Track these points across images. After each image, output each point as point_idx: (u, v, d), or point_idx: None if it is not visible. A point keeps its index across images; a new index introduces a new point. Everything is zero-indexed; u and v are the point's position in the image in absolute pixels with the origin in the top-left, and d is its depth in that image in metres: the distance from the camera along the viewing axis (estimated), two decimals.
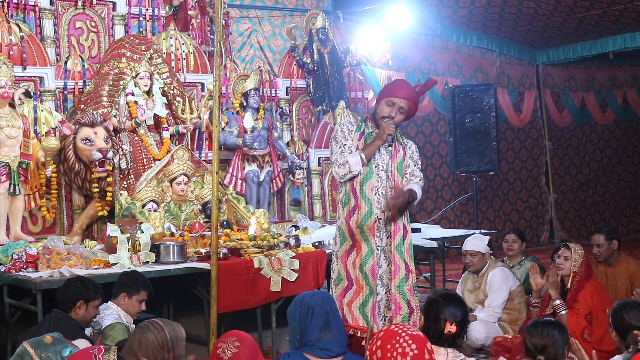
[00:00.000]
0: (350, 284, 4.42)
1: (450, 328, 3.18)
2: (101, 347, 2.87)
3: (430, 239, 6.81)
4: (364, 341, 4.29)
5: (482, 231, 7.41)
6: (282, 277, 5.64)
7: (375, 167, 4.46)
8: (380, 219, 4.44)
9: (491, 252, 6.26)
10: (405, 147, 4.61)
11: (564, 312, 5.18)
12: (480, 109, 9.75)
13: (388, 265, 4.46)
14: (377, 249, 4.42)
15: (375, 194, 4.43)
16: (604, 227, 6.55)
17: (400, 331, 2.73)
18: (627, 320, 3.68)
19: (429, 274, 7.39)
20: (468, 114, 9.69)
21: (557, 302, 5.22)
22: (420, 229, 7.52)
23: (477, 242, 6.17)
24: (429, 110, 11.22)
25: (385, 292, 4.45)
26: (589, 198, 13.33)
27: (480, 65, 11.72)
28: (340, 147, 4.45)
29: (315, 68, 8.25)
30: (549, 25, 10.85)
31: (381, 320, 4.41)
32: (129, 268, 5.11)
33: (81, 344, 3.67)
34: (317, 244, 6.27)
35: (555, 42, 11.93)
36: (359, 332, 4.36)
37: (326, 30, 8.40)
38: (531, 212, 12.45)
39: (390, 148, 4.46)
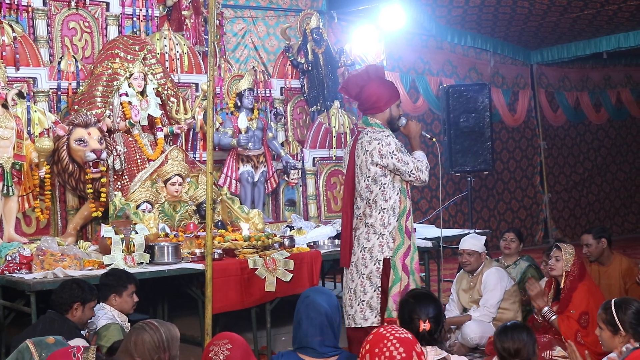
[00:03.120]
0: (408, 284, 4.65)
1: (424, 326, 3.22)
2: (80, 346, 2.88)
3: (425, 238, 6.80)
4: None
5: (477, 231, 7.41)
6: (276, 277, 5.64)
7: None
8: None
9: (486, 252, 6.27)
10: None
11: (553, 317, 5.19)
12: (475, 108, 9.77)
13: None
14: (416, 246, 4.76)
15: None
16: (593, 227, 6.57)
17: (388, 334, 2.71)
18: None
19: (424, 274, 7.39)
20: (462, 114, 9.71)
21: (545, 309, 5.23)
22: (415, 228, 7.52)
23: (474, 241, 6.18)
24: (423, 110, 11.23)
25: None
26: (584, 197, 13.36)
27: (475, 65, 11.74)
28: (410, 156, 4.75)
29: (310, 68, 8.24)
30: (543, 25, 10.87)
31: None
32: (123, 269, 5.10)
33: (78, 344, 3.67)
34: (311, 244, 6.27)
35: (550, 42, 11.95)
36: None
37: (320, 31, 8.40)
38: (526, 211, 12.47)
39: None
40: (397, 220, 4.68)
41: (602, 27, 10.93)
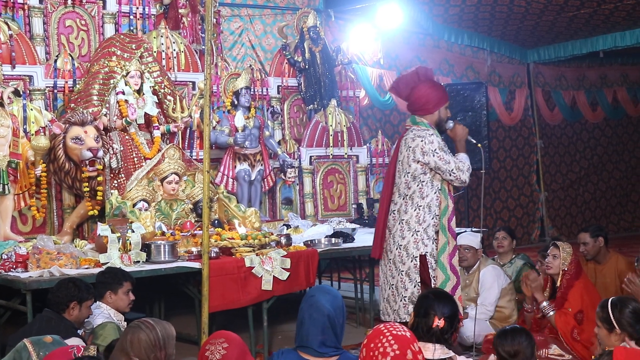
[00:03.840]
0: (458, 281, 4.73)
1: (438, 322, 3.23)
2: (80, 346, 2.88)
3: None
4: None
5: (473, 229, 7.41)
6: (273, 276, 5.63)
7: None
8: None
9: (482, 250, 6.27)
10: None
11: (551, 313, 5.19)
12: (472, 107, 9.76)
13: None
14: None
15: None
16: (590, 226, 6.57)
17: (385, 331, 2.73)
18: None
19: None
20: (459, 113, 9.69)
21: (544, 304, 5.24)
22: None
23: (471, 237, 6.19)
24: None
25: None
26: (580, 196, 13.37)
27: (472, 64, 11.74)
28: (452, 156, 4.78)
29: (307, 67, 8.24)
30: (540, 24, 10.88)
31: None
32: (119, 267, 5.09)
33: (75, 343, 3.67)
34: (308, 242, 6.26)
35: (546, 41, 11.96)
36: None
37: (317, 29, 8.39)
38: (522, 210, 12.49)
39: None
40: (436, 219, 4.77)
41: (599, 26, 10.94)
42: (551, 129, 13.03)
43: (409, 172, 4.77)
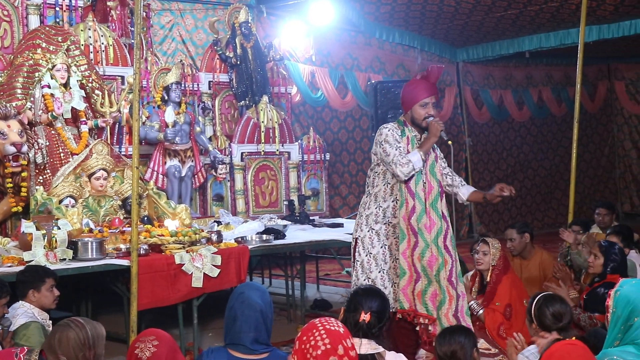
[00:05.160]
0: (417, 277, 4.73)
1: (364, 317, 3.24)
2: (25, 347, 2.80)
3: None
4: (430, 326, 4.70)
5: None
6: (204, 273, 5.59)
7: (422, 170, 4.85)
8: (426, 214, 4.86)
9: None
10: (436, 150, 4.99)
11: (481, 311, 5.29)
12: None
13: (431, 256, 4.82)
14: (431, 243, 4.80)
15: (423, 194, 4.85)
16: (516, 222, 6.73)
17: (319, 325, 2.74)
18: (548, 314, 3.78)
19: (351, 269, 7.44)
20: (390, 110, 9.77)
21: (472, 303, 5.32)
22: (342, 223, 7.58)
23: None
24: (351, 106, 11.31)
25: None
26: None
27: (403, 62, 11.88)
28: (396, 149, 4.76)
29: (238, 62, 8.19)
30: (469, 24, 11.08)
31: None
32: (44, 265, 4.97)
33: None
34: (239, 239, 6.23)
35: (475, 41, 12.19)
36: (422, 319, 4.72)
37: (249, 25, 8.35)
38: (451, 206, 12.60)
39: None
40: (380, 211, 4.84)
41: (525, 27, 11.21)
42: (479, 127, 13.28)
43: (371, 163, 4.95)
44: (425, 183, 4.85)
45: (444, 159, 5.11)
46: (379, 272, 4.82)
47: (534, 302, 3.80)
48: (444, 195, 4.99)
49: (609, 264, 5.04)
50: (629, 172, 15.13)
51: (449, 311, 4.72)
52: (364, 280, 4.85)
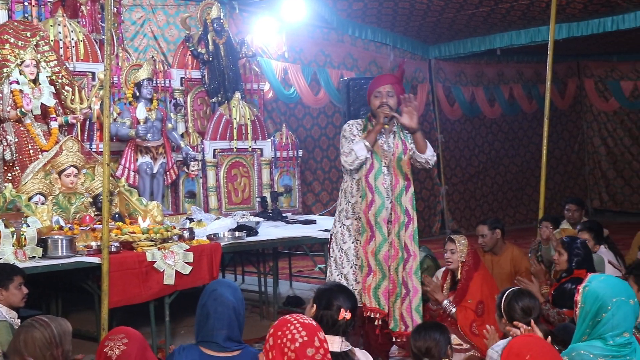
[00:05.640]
0: (369, 271, 4.78)
1: (345, 315, 3.25)
2: None
3: (326, 230, 6.85)
4: (376, 321, 4.77)
5: None
6: (175, 270, 5.56)
7: (382, 162, 4.87)
8: (387, 208, 4.85)
9: None
10: (407, 142, 4.96)
11: (453, 310, 5.32)
12: None
13: (388, 250, 4.85)
14: (388, 237, 4.82)
15: (385, 188, 4.84)
16: (488, 218, 6.78)
17: (292, 319, 2.76)
18: (518, 309, 3.81)
19: (325, 265, 7.45)
20: (363, 107, 9.79)
21: (445, 302, 5.34)
22: (315, 220, 7.59)
23: None
24: (324, 102, 11.32)
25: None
26: (478, 189, 13.78)
27: (375, 59, 11.90)
28: (348, 142, 4.87)
29: (211, 59, 8.16)
30: (441, 21, 11.14)
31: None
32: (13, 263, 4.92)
33: None
34: (211, 236, 6.21)
35: (447, 38, 12.26)
36: (372, 314, 4.77)
37: (221, 21, 8.32)
38: (424, 203, 12.75)
39: (391, 144, 4.89)
40: (350, 207, 4.92)
41: (496, 25, 11.30)
42: (451, 124, 13.36)
43: None
44: (390, 176, 4.85)
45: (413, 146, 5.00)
46: (351, 267, 4.86)
47: (503, 297, 3.83)
48: (410, 189, 4.96)
49: (573, 258, 5.10)
50: (598, 169, 15.31)
51: (403, 305, 4.80)
52: (337, 275, 4.88)
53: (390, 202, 4.84)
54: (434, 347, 3.55)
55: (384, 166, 4.84)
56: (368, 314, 4.76)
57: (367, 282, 4.77)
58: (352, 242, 4.87)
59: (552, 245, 6.04)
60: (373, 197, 4.81)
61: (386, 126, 4.87)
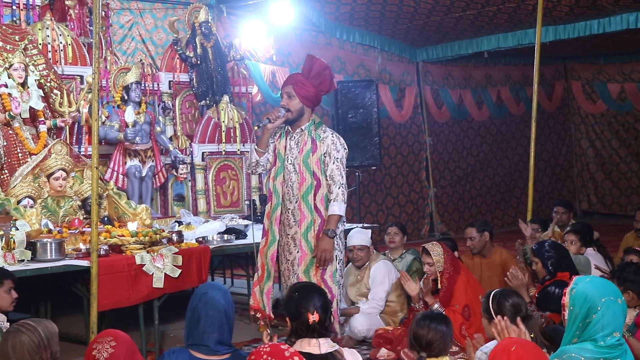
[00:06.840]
0: (262, 271, 4.90)
1: (314, 317, 3.23)
2: None
3: None
4: (259, 321, 4.92)
5: (366, 225, 7.54)
6: (164, 273, 5.57)
7: (286, 161, 4.89)
8: (289, 209, 4.89)
9: (373, 245, 6.38)
10: (318, 140, 4.94)
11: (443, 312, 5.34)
12: (363, 104, 9.94)
13: (297, 252, 4.87)
14: (282, 238, 4.89)
15: (286, 187, 4.88)
16: (476, 221, 6.79)
17: (261, 349, 2.73)
18: (508, 305, 3.83)
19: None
20: (350, 110, 9.86)
21: (436, 306, 5.36)
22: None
23: (362, 236, 6.26)
24: None
25: (295, 278, 4.85)
26: (467, 192, 13.81)
27: (363, 62, 11.93)
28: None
29: (199, 62, 8.16)
30: (428, 24, 11.18)
31: None
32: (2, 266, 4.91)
33: None
34: (200, 239, 6.22)
35: (434, 41, 12.29)
36: (257, 313, 4.89)
37: (209, 24, 8.32)
38: (412, 206, 12.78)
39: (299, 142, 4.93)
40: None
41: (483, 28, 11.35)
42: (439, 127, 13.39)
43: None
44: (296, 174, 4.89)
45: (340, 156, 5.03)
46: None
47: (490, 299, 3.84)
48: (320, 187, 4.91)
49: (546, 262, 5.09)
50: (586, 171, 15.39)
51: None
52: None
53: (297, 202, 4.87)
54: (437, 339, 3.48)
55: (289, 164, 4.90)
56: (252, 313, 4.94)
57: (255, 280, 4.96)
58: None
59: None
60: (270, 197, 4.96)
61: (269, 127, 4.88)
